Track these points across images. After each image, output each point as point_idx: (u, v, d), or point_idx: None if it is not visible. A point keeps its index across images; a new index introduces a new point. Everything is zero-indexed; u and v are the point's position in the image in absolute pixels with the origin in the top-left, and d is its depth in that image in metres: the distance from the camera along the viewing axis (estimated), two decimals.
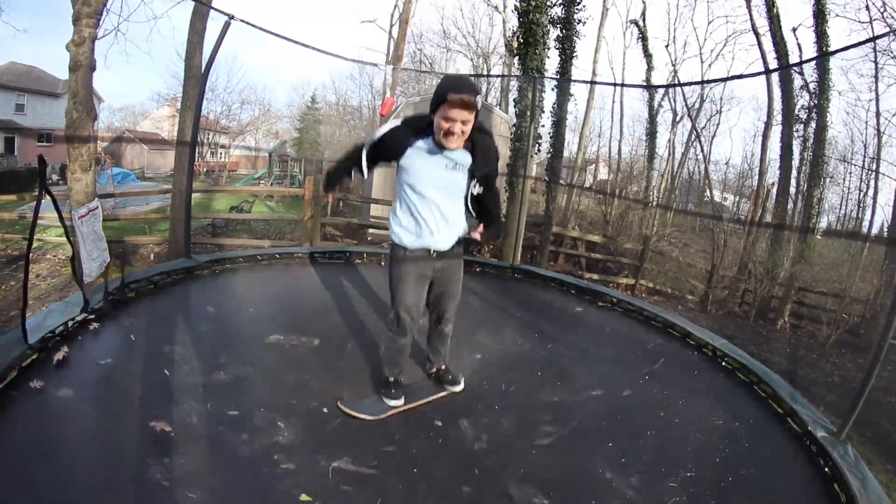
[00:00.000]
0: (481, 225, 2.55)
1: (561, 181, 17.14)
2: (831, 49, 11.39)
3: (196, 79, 8.05)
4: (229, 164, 38.24)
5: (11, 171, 21.89)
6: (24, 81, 26.64)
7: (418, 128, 2.27)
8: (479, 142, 2.29)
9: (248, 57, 70.88)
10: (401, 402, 2.53)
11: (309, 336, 3.16)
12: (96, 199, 3.11)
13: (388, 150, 2.30)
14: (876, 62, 13.94)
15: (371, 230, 11.49)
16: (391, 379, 2.61)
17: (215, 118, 36.22)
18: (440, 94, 2.10)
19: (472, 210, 2.47)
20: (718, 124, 25.13)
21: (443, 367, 2.83)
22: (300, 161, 29.43)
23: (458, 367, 2.93)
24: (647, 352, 3.51)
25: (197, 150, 33.80)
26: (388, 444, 2.23)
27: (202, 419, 2.18)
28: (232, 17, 4.03)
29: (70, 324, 2.67)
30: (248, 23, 4.24)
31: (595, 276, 11.32)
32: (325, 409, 2.42)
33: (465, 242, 2.54)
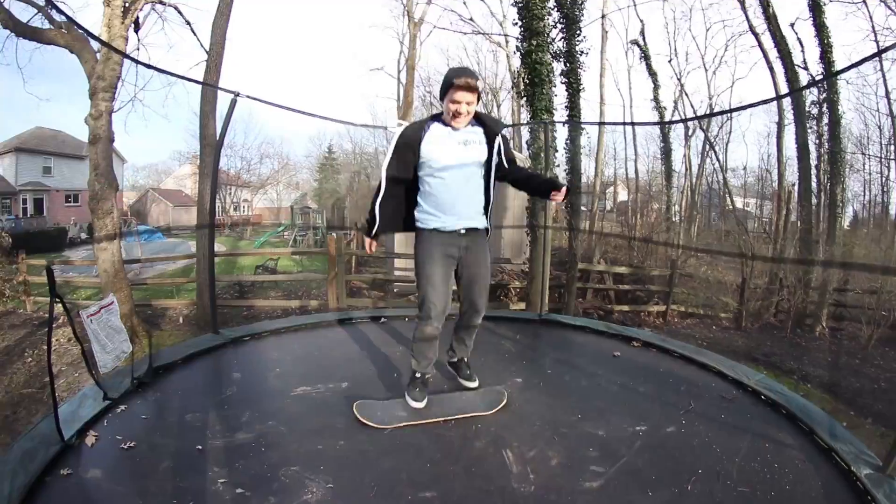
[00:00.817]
0: (553, 192, 2.53)
1: (582, 207, 17.10)
2: (833, 46, 11.19)
3: (211, 147, 8.25)
4: (252, 217, 39.08)
5: (42, 232, 22.75)
6: (51, 145, 28.07)
7: (426, 120, 2.60)
8: (484, 115, 2.62)
9: (264, 112, 73.02)
10: (422, 404, 2.62)
11: (336, 382, 3.22)
12: (111, 294, 3.20)
13: (406, 148, 2.53)
14: (876, 41, 13.72)
15: (397, 284, 11.58)
16: (417, 375, 2.69)
17: (236, 173, 37.22)
18: (446, 82, 2.43)
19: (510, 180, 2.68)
20: (731, 131, 24.92)
21: (464, 359, 2.97)
22: (321, 212, 29.95)
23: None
24: (680, 392, 3.45)
25: (220, 206, 34.78)
26: (426, 490, 2.15)
27: (224, 487, 2.14)
28: (238, 95, 4.09)
29: (97, 409, 2.74)
30: (254, 98, 4.32)
31: (626, 308, 11.20)
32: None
33: (487, 231, 2.71)
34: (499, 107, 30.68)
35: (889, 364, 8.07)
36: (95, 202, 7.38)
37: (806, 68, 11.96)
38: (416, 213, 2.64)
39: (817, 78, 11.60)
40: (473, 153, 2.56)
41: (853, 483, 2.38)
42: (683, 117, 22.13)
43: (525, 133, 16.70)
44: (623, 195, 28.90)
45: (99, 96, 7.24)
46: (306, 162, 43.55)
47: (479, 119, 2.61)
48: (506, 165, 2.65)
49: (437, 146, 2.53)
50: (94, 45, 7.63)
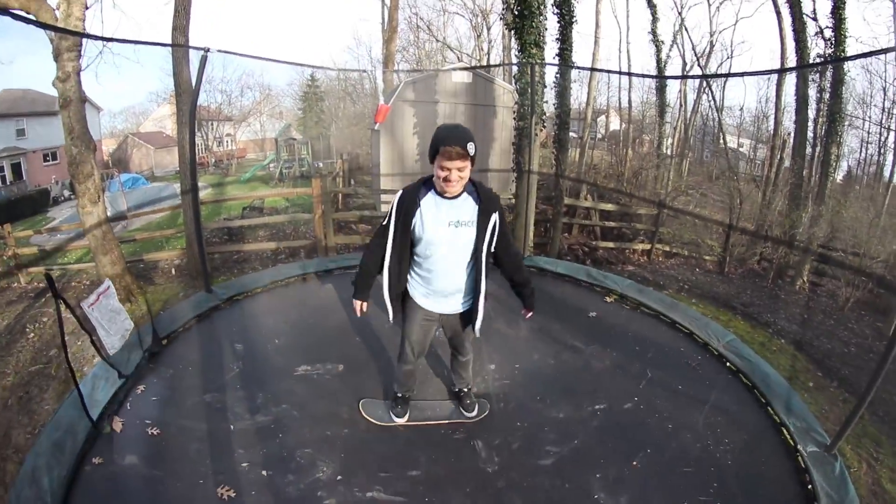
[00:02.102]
0: (525, 309, 2.79)
1: (572, 133, 16.87)
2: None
3: (188, 94, 7.79)
4: (237, 151, 38.35)
5: (24, 197, 22.38)
6: (21, 106, 26.75)
7: (420, 185, 2.47)
8: (481, 188, 2.48)
9: (243, 42, 70.24)
10: (404, 419, 2.99)
11: (334, 363, 3.51)
12: (107, 280, 3.25)
13: (405, 216, 2.45)
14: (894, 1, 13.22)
15: (385, 208, 11.52)
16: (398, 395, 3.03)
17: (217, 108, 36.16)
18: (435, 146, 2.28)
19: (496, 263, 2.67)
20: (730, 68, 24.29)
21: (465, 390, 3.12)
22: (307, 142, 29.36)
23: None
24: (646, 359, 3.63)
25: (202, 142, 34.07)
26: (413, 469, 2.59)
27: (262, 472, 2.50)
28: (208, 50, 4.02)
29: (112, 390, 2.95)
30: (225, 51, 4.15)
31: (611, 245, 11.27)
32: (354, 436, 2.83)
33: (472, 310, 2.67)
34: (489, 29, 29.58)
35: (862, 329, 8.20)
36: (75, 167, 7.07)
37: (815, 18, 11.30)
38: (409, 273, 2.66)
39: (825, 28, 11.03)
40: (464, 236, 2.46)
41: (795, 461, 2.54)
42: (682, 71, 21.45)
43: (513, 68, 16.20)
44: (615, 124, 28.41)
45: (64, 56, 6.68)
46: (289, 90, 42.15)
47: (475, 190, 2.47)
48: (494, 248, 2.58)
49: (428, 223, 2.43)
50: (53, 1, 6.85)
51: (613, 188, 14.18)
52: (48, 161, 27.17)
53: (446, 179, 2.30)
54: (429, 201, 2.43)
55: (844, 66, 11.08)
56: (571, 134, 15.79)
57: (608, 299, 4.58)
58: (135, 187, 23.61)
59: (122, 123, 43.41)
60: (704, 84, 21.69)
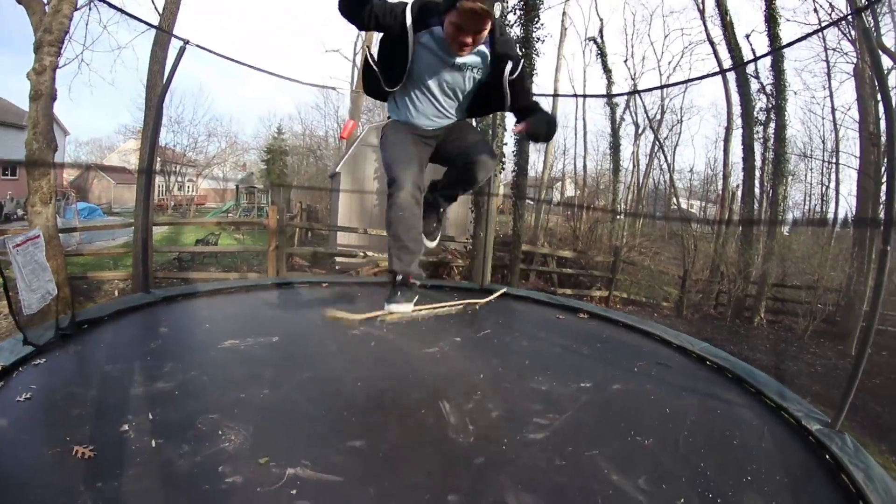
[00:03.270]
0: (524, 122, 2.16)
1: (528, 200, 17.21)
2: (784, 57, 11.74)
3: (156, 94, 7.92)
4: (197, 197, 37.68)
5: None
6: None
7: (429, 17, 1.97)
8: (497, 40, 2.02)
9: (215, 87, 70.85)
10: (409, 307, 2.14)
11: (268, 336, 3.04)
12: (37, 227, 2.94)
13: (393, 23, 1.94)
14: (827, 60, 14.44)
15: (339, 258, 11.29)
16: (398, 277, 2.15)
17: (182, 151, 35.75)
18: None
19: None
20: (680, 133, 25.67)
21: (442, 210, 2.50)
22: (267, 192, 29.12)
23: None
24: (625, 354, 3.39)
25: (164, 184, 33.39)
26: (355, 439, 1.97)
27: (135, 435, 1.92)
28: (187, 42, 3.99)
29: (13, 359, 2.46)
30: (203, 47, 4.16)
31: (568, 291, 11.25)
32: (277, 398, 2.24)
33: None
34: None
35: (824, 352, 8.49)
36: (32, 161, 6.88)
37: (757, 77, 12.39)
38: (389, 101, 2.23)
39: (767, 84, 11.99)
40: (465, 81, 2.09)
41: (805, 438, 2.32)
42: (635, 134, 22.56)
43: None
44: (571, 191, 29.27)
45: (44, 50, 6.64)
46: (254, 142, 42.14)
47: (490, 37, 2.01)
48: (509, 102, 2.12)
49: (425, 61, 2.02)
50: None
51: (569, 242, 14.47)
52: (6, 175, 25.80)
53: (461, 44, 1.89)
54: (430, 40, 1.98)
55: (786, 119, 11.92)
56: (528, 201, 16.10)
57: (581, 315, 4.34)
58: (91, 217, 22.54)
59: (87, 155, 42.53)
60: (657, 147, 22.70)
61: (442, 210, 2.53)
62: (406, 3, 1.94)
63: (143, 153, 8.44)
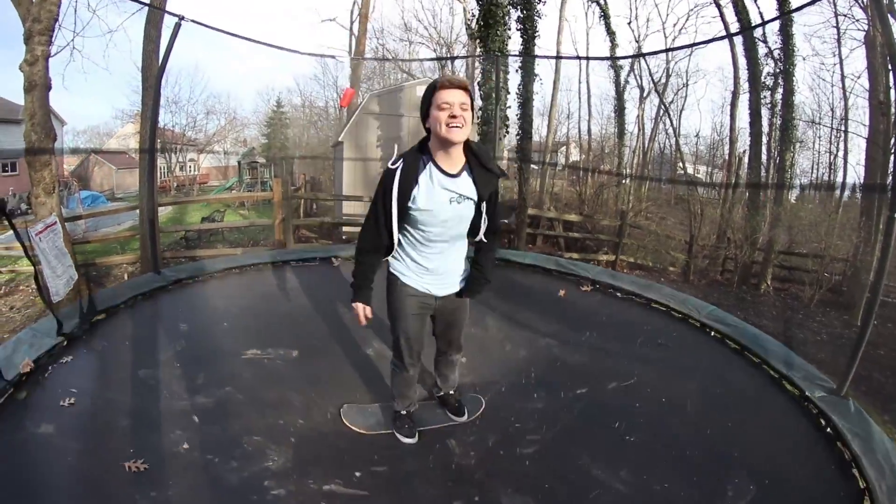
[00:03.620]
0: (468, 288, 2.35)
1: (533, 164, 17.06)
2: (793, 20, 11.43)
3: (153, 76, 7.81)
4: (199, 176, 37.63)
5: None
6: None
7: (415, 159, 2.07)
8: (480, 153, 2.11)
9: (211, 66, 69.81)
10: (414, 440, 2.44)
11: (286, 348, 3.06)
12: (53, 214, 3.00)
13: (405, 187, 2.06)
14: (838, 27, 14.03)
15: (345, 228, 11.29)
16: (402, 412, 2.52)
17: (181, 131, 35.54)
18: (429, 91, 1.96)
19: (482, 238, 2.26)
20: (686, 97, 25.25)
21: (451, 392, 2.69)
22: (269, 166, 29.02)
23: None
24: (633, 331, 3.40)
25: (166, 166, 33.36)
26: (379, 465, 2.20)
27: (185, 450, 2.10)
28: (182, 18, 3.95)
29: (44, 353, 2.59)
30: (198, 23, 4.12)
31: (575, 255, 11.21)
32: (311, 427, 2.39)
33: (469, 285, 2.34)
34: (453, 62, 30.03)
35: (830, 321, 8.45)
36: (32, 154, 6.88)
37: (765, 41, 12.07)
38: (392, 257, 2.27)
39: (775, 48, 11.71)
40: (466, 213, 2.15)
41: (806, 408, 2.34)
42: (640, 97, 22.13)
43: (477, 74, 16.35)
44: (576, 155, 29.00)
45: (35, 40, 6.54)
46: (254, 118, 41.83)
47: (473, 157, 2.10)
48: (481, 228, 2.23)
49: (427, 201, 2.08)
50: None
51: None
52: (7, 171, 25.87)
53: (452, 116, 1.92)
54: (428, 173, 2.07)
55: (794, 85, 11.67)
56: (532, 166, 15.94)
57: (584, 288, 4.28)
58: (94, 205, 22.52)
59: (86, 143, 42.40)
60: (662, 110, 22.36)
61: (454, 391, 2.72)
62: (392, 173, 2.05)
63: (143, 135, 8.37)
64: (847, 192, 15.03)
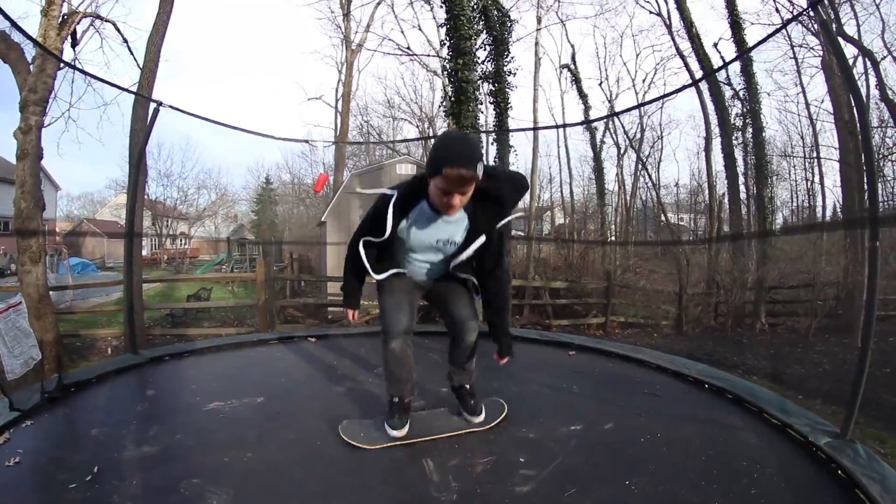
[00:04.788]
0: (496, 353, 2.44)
1: (518, 232, 17.25)
2: (753, 60, 12.03)
3: (143, 165, 7.99)
4: (190, 250, 37.75)
5: None
6: None
7: (411, 194, 2.09)
8: (478, 203, 2.06)
9: (202, 140, 71.68)
10: (403, 432, 2.30)
11: (252, 396, 2.97)
12: (18, 294, 2.98)
13: (381, 225, 2.10)
14: (795, 57, 14.74)
15: (330, 308, 11.23)
16: (394, 399, 2.35)
17: (172, 205, 35.97)
18: (436, 164, 1.86)
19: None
20: (662, 149, 26.02)
21: (466, 387, 2.50)
22: (259, 244, 29.24)
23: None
24: (626, 383, 3.30)
25: (157, 238, 33.49)
26: (338, 501, 1.94)
27: (122, 501, 1.89)
28: (160, 104, 3.98)
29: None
30: (175, 108, 4.15)
31: (564, 322, 11.10)
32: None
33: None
34: (436, 135, 30.85)
35: (830, 349, 8.38)
36: (21, 221, 6.99)
37: (730, 83, 12.64)
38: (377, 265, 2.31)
39: (740, 89, 12.25)
40: (451, 250, 2.19)
41: (813, 453, 2.23)
42: (618, 154, 22.82)
43: None
44: (561, 219, 29.41)
45: (30, 109, 6.96)
46: (244, 193, 42.66)
47: (477, 192, 2.02)
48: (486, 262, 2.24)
49: (417, 233, 2.14)
50: (29, 56, 7.38)
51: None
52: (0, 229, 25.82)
53: (448, 205, 1.94)
54: (418, 213, 2.10)
55: (762, 122, 12.26)
56: (518, 232, 16.12)
57: (570, 353, 4.14)
58: (84, 273, 22.25)
59: (79, 209, 42.97)
60: (640, 165, 22.94)
61: (469, 386, 2.55)
62: (387, 200, 2.08)
63: (126, 216, 8.45)
64: (828, 217, 15.34)
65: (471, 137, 2.08)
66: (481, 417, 2.46)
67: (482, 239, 2.10)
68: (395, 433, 2.28)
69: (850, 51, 11.35)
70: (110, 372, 3.43)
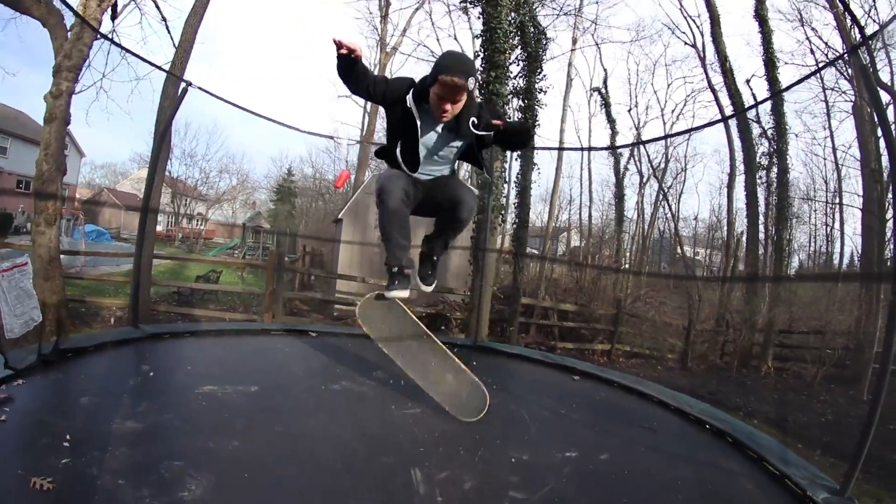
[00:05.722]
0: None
1: (533, 250, 17.18)
2: (784, 100, 11.91)
3: (166, 142, 8.04)
4: (205, 231, 38.05)
5: None
6: (11, 125, 26.56)
7: (420, 95, 2.27)
8: (464, 110, 2.27)
9: (229, 124, 72.42)
10: (406, 292, 2.49)
11: (248, 385, 2.95)
12: (26, 255, 3.00)
13: (397, 93, 2.29)
14: (826, 100, 14.59)
15: (337, 306, 11.23)
16: (394, 269, 2.49)
17: (193, 184, 36.31)
18: (435, 72, 2.13)
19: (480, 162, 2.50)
20: (685, 181, 25.74)
21: (434, 259, 2.73)
22: (274, 234, 29.34)
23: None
24: (623, 421, 3.21)
25: (174, 215, 33.81)
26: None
27: (100, 473, 1.85)
28: (189, 84, 4.02)
29: None
30: (203, 90, 4.19)
31: (569, 345, 10.99)
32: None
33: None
34: None
35: (835, 399, 8.22)
36: (40, 182, 7.10)
37: (758, 122, 12.50)
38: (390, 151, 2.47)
39: (768, 128, 12.11)
40: (453, 145, 2.43)
41: None
42: (640, 183, 22.68)
43: None
44: (576, 241, 29.24)
45: (62, 75, 7.01)
46: (265, 182, 42.86)
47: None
48: (487, 138, 2.39)
49: (422, 121, 2.31)
50: (68, 22, 7.48)
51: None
52: (20, 188, 26.19)
53: (442, 110, 2.18)
54: (424, 110, 2.29)
55: (788, 163, 12.02)
56: (532, 250, 16.05)
57: (574, 378, 4.11)
58: (98, 241, 22.35)
59: (101, 178, 43.45)
60: (661, 195, 22.77)
61: (435, 258, 2.76)
62: (409, 81, 2.32)
63: (145, 190, 8.53)
64: (845, 265, 15.08)
65: (468, 57, 2.32)
66: (431, 288, 2.76)
67: (472, 120, 2.29)
68: (399, 293, 2.48)
69: (884, 97, 11.20)
70: (109, 343, 3.44)
